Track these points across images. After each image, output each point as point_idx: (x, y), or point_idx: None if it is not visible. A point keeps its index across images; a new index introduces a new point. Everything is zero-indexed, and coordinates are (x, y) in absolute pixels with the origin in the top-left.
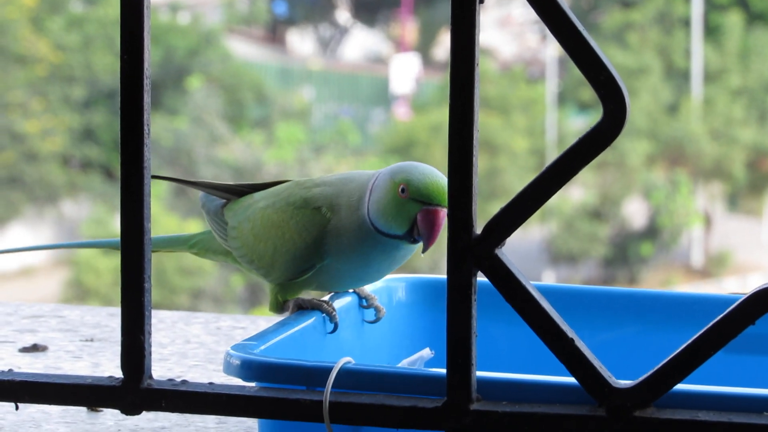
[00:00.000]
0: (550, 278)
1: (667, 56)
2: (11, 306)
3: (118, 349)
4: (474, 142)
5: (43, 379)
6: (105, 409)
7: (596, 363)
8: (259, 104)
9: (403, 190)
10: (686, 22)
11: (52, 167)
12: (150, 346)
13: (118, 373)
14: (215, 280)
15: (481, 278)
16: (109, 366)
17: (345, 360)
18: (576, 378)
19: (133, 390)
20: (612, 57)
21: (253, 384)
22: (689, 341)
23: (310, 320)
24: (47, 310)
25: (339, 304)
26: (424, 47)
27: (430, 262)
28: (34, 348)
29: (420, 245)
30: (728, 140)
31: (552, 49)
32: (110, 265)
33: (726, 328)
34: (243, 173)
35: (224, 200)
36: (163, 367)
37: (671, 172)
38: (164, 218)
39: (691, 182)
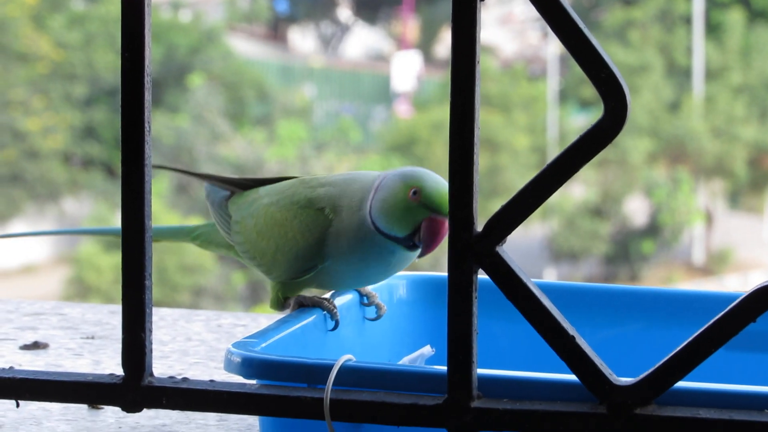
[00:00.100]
0: (551, 276)
1: (669, 54)
2: (12, 303)
3: (119, 346)
4: (475, 139)
5: (43, 376)
6: (106, 407)
7: (597, 360)
8: (260, 102)
9: (414, 193)
10: (687, 20)
11: (54, 165)
12: (151, 343)
13: (119, 371)
14: (216, 277)
15: (482, 276)
16: (110, 363)
17: (346, 357)
18: (577, 375)
19: (134, 387)
20: (613, 54)
21: (254, 381)
22: (690, 339)
23: (311, 318)
24: (48, 307)
25: (340, 301)
26: (425, 45)
27: (431, 260)
28: (35, 345)
29: (415, 253)
30: (729, 138)
31: (553, 47)
32: (111, 262)
33: (727, 325)
34: (244, 171)
35: (229, 192)
36: (164, 365)
37: (672, 169)
38: (165, 216)
39: (693, 180)
